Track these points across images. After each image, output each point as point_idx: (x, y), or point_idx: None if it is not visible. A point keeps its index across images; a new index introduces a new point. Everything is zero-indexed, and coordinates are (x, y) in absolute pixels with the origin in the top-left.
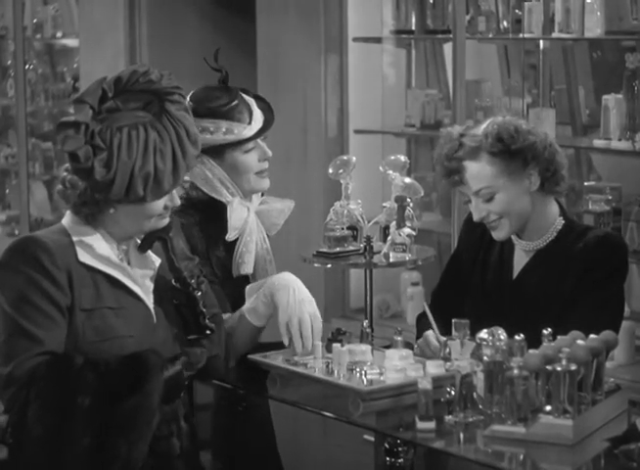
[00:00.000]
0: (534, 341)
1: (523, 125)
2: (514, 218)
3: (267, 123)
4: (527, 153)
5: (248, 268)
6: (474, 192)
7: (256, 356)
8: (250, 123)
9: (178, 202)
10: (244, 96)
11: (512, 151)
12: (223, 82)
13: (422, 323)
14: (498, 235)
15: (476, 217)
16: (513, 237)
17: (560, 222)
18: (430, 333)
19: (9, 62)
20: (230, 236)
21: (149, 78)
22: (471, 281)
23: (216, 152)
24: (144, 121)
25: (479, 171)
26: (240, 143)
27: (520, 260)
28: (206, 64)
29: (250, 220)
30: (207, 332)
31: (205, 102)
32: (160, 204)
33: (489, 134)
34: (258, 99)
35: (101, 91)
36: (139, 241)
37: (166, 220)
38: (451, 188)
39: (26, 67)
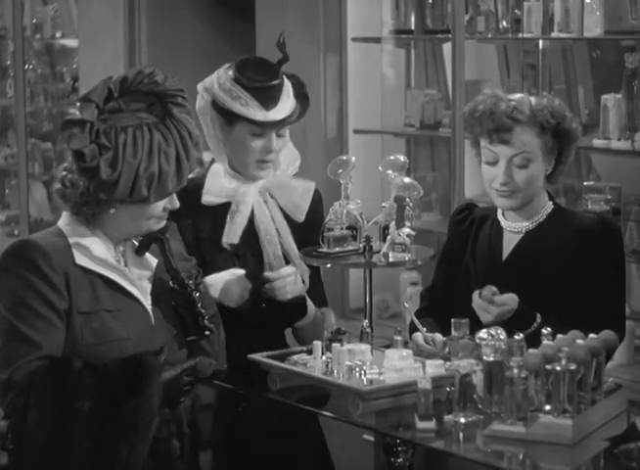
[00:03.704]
0: None
1: (567, 111)
2: (528, 193)
3: (278, 123)
4: (565, 136)
5: (229, 239)
6: (513, 154)
7: (257, 356)
8: (268, 110)
9: (177, 204)
10: (286, 88)
11: (557, 129)
12: (279, 64)
13: (413, 325)
14: (507, 204)
15: (501, 180)
16: (501, 219)
17: (550, 206)
18: (417, 334)
19: (8, 62)
20: (204, 199)
21: (154, 80)
22: (461, 268)
23: (230, 119)
24: (147, 123)
25: (529, 138)
26: (250, 122)
27: (509, 243)
28: (279, 43)
29: (242, 192)
30: (206, 333)
31: (246, 69)
32: (159, 205)
33: (545, 108)
34: (304, 98)
35: (107, 90)
36: (136, 242)
37: (163, 223)
38: (487, 143)
39: (26, 67)
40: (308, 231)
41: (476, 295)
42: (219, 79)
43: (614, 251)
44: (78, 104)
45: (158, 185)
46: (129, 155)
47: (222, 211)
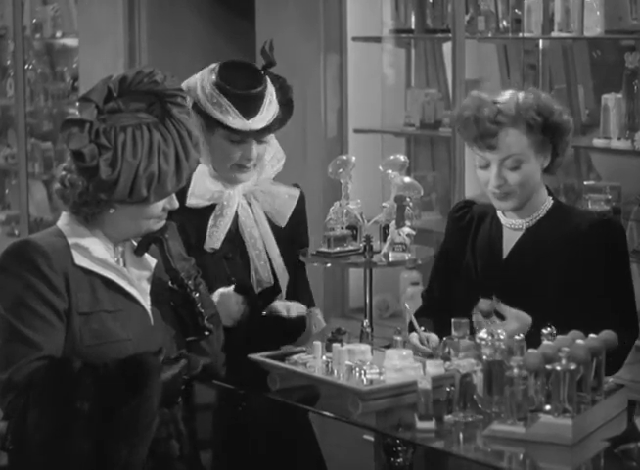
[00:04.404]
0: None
1: (554, 104)
2: (525, 192)
3: (258, 132)
4: (557, 130)
5: (212, 243)
6: (502, 158)
7: (256, 356)
8: (248, 119)
9: (177, 204)
10: (269, 94)
11: (547, 124)
12: (264, 68)
13: (412, 325)
14: (505, 205)
15: (494, 183)
16: (501, 216)
17: (550, 201)
18: (412, 335)
19: (8, 62)
20: (189, 202)
21: (153, 79)
22: (461, 266)
23: (210, 124)
24: (147, 122)
25: (516, 139)
26: (229, 129)
27: (509, 241)
28: (263, 50)
29: (227, 195)
30: (206, 333)
31: (228, 75)
32: (159, 205)
33: (530, 107)
34: (287, 104)
35: (107, 90)
36: (135, 243)
37: (163, 223)
38: (475, 149)
39: (26, 66)
40: (292, 232)
41: (479, 314)
42: (202, 82)
43: (618, 250)
44: (78, 104)
45: (157, 185)
46: (129, 155)
47: (209, 214)
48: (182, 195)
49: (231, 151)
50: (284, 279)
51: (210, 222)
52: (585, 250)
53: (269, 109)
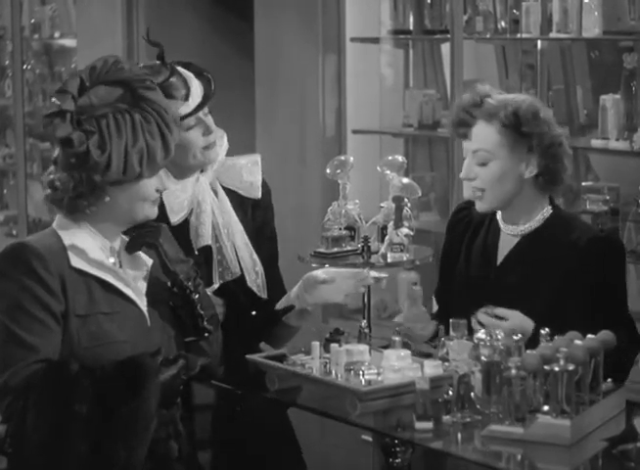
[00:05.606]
0: None
1: (542, 114)
2: (497, 194)
3: (205, 98)
4: (533, 140)
5: (205, 240)
6: (473, 150)
7: (255, 356)
8: (186, 100)
9: (167, 185)
10: (182, 71)
11: (520, 131)
12: (159, 58)
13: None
14: (480, 206)
15: (463, 175)
16: (500, 221)
17: (548, 210)
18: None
19: (6, 62)
20: (174, 220)
21: (120, 66)
22: (457, 268)
23: None
24: (124, 108)
25: (487, 134)
26: (180, 121)
27: (505, 246)
28: (145, 39)
29: (197, 191)
30: (206, 334)
31: None
32: (152, 185)
33: (510, 106)
34: (199, 74)
35: (79, 80)
36: (126, 238)
37: (156, 210)
38: (454, 138)
39: (24, 67)
40: (261, 211)
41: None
42: None
43: (616, 268)
44: (54, 98)
45: (148, 159)
46: (115, 136)
47: (182, 224)
48: (164, 218)
49: (192, 137)
50: (249, 268)
51: (192, 223)
52: (582, 264)
53: (193, 83)
